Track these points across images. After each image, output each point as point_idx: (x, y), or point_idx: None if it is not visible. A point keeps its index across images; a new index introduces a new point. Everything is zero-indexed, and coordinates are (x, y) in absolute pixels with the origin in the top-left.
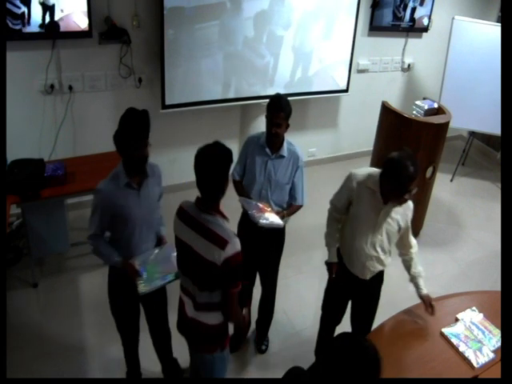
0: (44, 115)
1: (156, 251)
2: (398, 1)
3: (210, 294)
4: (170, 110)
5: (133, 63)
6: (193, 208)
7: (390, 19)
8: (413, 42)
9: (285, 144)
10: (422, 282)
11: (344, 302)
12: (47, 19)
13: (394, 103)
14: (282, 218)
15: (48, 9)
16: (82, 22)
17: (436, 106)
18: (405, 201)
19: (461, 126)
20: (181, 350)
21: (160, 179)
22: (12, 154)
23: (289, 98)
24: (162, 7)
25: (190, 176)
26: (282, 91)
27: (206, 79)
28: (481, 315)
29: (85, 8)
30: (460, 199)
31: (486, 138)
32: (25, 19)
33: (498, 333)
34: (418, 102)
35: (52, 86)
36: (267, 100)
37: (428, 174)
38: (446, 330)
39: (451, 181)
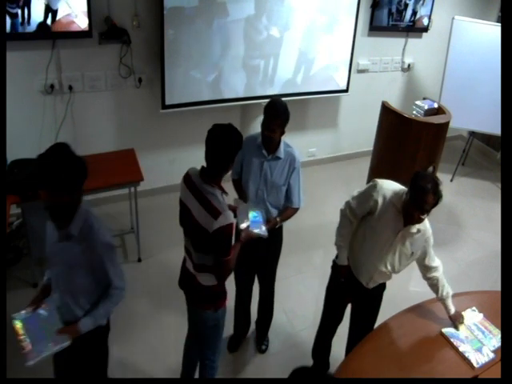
0: (44, 115)
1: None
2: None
3: (204, 257)
4: (170, 110)
5: (133, 63)
6: (197, 176)
7: (390, 19)
8: (413, 41)
9: (281, 145)
10: (450, 303)
11: (345, 302)
12: (47, 19)
13: (394, 103)
14: (275, 225)
15: (49, 9)
16: (82, 22)
17: (436, 106)
18: (418, 219)
19: (461, 125)
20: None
21: (95, 248)
22: (12, 154)
23: (289, 98)
24: (162, 7)
25: None
26: (282, 91)
27: (205, 79)
28: (481, 315)
29: (85, 8)
30: (460, 199)
31: (486, 138)
32: (17, 18)
33: (497, 333)
34: (417, 102)
35: (52, 86)
36: (267, 100)
37: None
38: (446, 330)
39: (451, 181)
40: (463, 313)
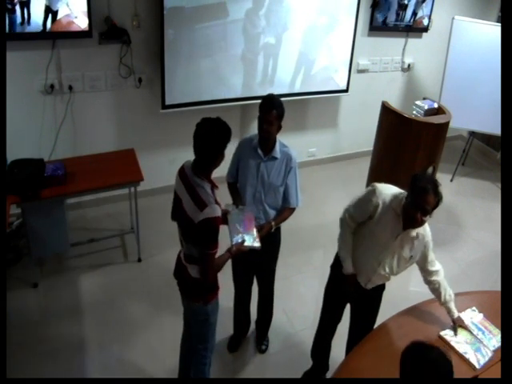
0: (44, 115)
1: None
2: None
3: (192, 248)
4: (170, 110)
5: (133, 63)
6: (189, 168)
7: (390, 19)
8: (413, 41)
9: (277, 145)
10: (453, 306)
11: (343, 302)
12: (47, 19)
13: (394, 103)
14: (270, 229)
15: (49, 10)
16: (82, 22)
17: (436, 106)
18: (420, 221)
19: (461, 126)
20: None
21: None
22: (12, 154)
23: (289, 98)
24: (162, 7)
25: None
26: (282, 91)
27: (205, 79)
28: (481, 315)
29: (85, 8)
30: (460, 199)
31: (486, 138)
32: (15, 14)
33: (498, 333)
34: (418, 102)
35: (52, 86)
36: None
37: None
38: (444, 333)
39: (451, 181)
40: (463, 313)
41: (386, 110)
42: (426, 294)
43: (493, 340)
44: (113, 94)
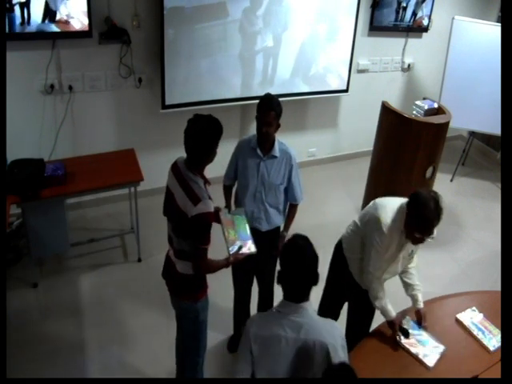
0: (44, 115)
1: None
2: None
3: (183, 242)
4: (170, 110)
5: (133, 63)
6: (182, 163)
7: (390, 19)
8: (413, 42)
9: (276, 144)
10: (420, 297)
11: (341, 300)
12: (47, 19)
13: (394, 103)
14: (284, 239)
15: (49, 9)
16: (82, 22)
17: (436, 106)
18: (418, 241)
19: (461, 126)
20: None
21: None
22: (12, 154)
23: (289, 98)
24: (162, 7)
25: None
26: (282, 91)
27: (205, 79)
28: (481, 315)
29: (85, 8)
30: (460, 199)
31: (486, 138)
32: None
33: (498, 333)
34: (418, 102)
35: (52, 86)
36: None
37: (428, 174)
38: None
39: (451, 181)
40: (463, 313)
41: (386, 110)
42: (426, 294)
43: (493, 340)
44: (113, 94)
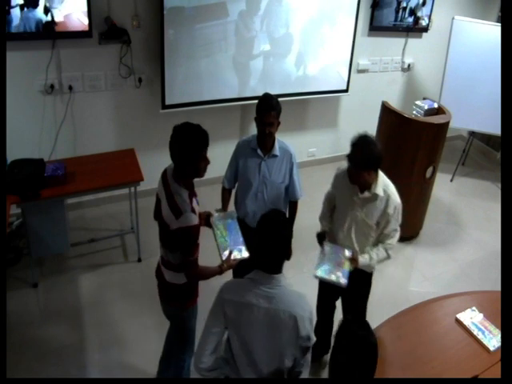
0: (44, 115)
1: None
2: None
3: (169, 254)
4: (170, 110)
5: (133, 63)
6: (170, 173)
7: (390, 19)
8: (413, 41)
9: (276, 143)
10: (367, 256)
11: (334, 291)
12: (47, 19)
13: (394, 103)
14: None
15: (49, 9)
16: (81, 22)
17: (436, 106)
18: (352, 176)
19: (461, 126)
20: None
21: None
22: (12, 154)
23: (289, 98)
24: (162, 7)
25: None
26: (282, 91)
27: (206, 79)
28: (481, 315)
29: (85, 8)
30: (460, 199)
31: (485, 138)
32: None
33: (498, 333)
34: (418, 102)
35: (52, 86)
36: None
37: (428, 174)
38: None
39: (451, 181)
40: (463, 313)
41: (386, 109)
42: (426, 294)
43: (493, 340)
44: (113, 93)
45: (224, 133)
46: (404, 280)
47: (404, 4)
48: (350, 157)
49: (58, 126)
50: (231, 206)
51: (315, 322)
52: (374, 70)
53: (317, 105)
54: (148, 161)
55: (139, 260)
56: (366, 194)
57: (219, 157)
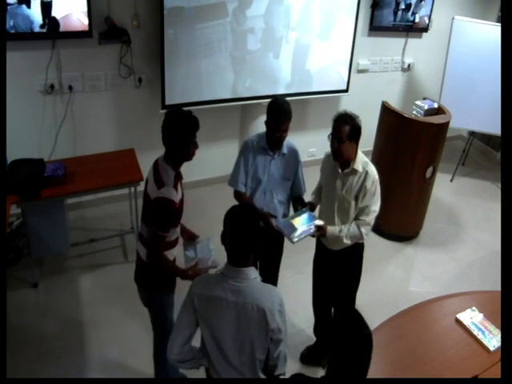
0: (44, 115)
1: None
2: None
3: (145, 228)
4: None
5: (133, 63)
6: (161, 159)
7: (390, 19)
8: (413, 41)
9: (284, 141)
10: (337, 228)
11: (325, 278)
12: (47, 19)
13: (394, 103)
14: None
15: (48, 9)
16: (81, 22)
17: (436, 105)
18: (334, 150)
19: (461, 126)
20: None
21: None
22: (12, 154)
23: (289, 98)
24: (162, 7)
25: (191, 176)
26: (282, 91)
27: (206, 79)
28: (481, 315)
29: (85, 8)
30: (460, 199)
31: (485, 138)
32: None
33: (498, 333)
34: (418, 102)
35: (52, 86)
36: (267, 100)
37: (428, 174)
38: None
39: (451, 181)
40: (463, 313)
41: (386, 109)
42: (426, 294)
43: (493, 340)
44: (113, 94)
45: (224, 133)
46: (404, 280)
47: (403, 6)
48: (332, 132)
49: (57, 126)
50: None
51: (313, 323)
52: (374, 69)
53: (317, 105)
54: (148, 161)
55: None
56: (346, 170)
57: (219, 157)
